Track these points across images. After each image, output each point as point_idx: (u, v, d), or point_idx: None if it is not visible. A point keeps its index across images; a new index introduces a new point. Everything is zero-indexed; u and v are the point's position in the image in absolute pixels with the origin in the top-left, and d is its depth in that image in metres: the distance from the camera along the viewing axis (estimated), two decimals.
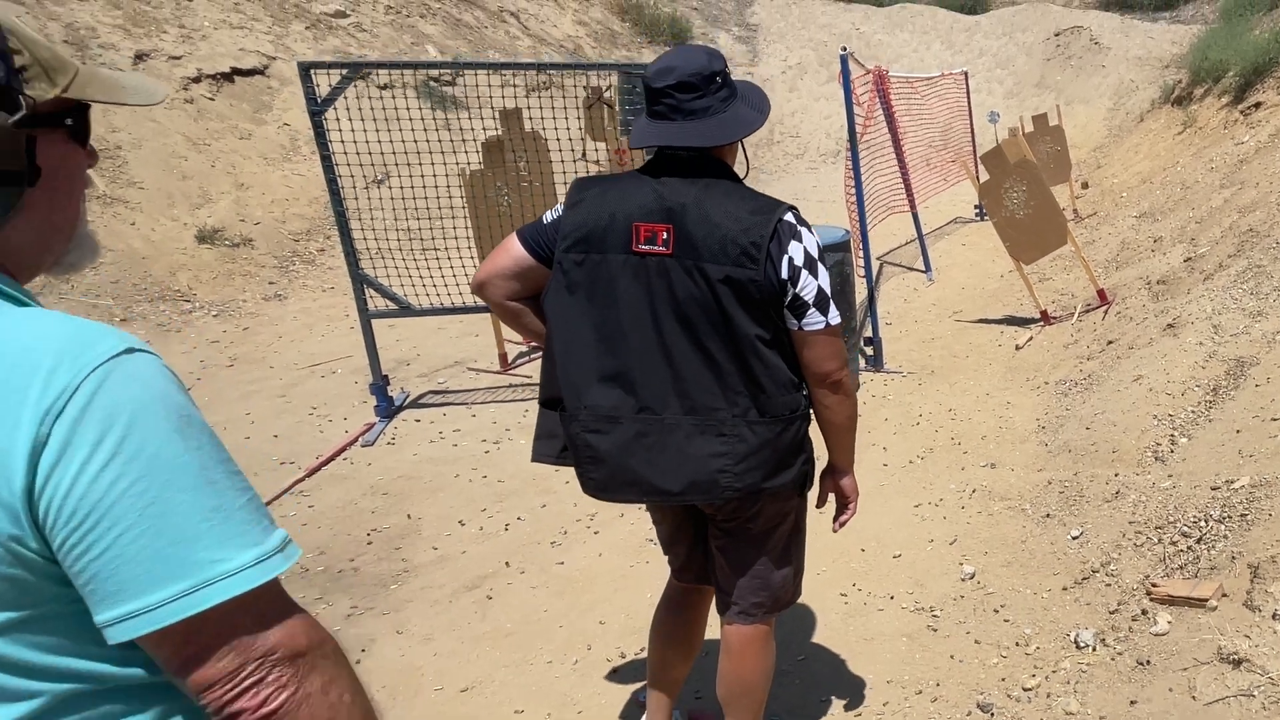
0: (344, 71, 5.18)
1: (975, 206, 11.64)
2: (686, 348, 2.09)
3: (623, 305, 2.10)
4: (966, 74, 13.07)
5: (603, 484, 2.20)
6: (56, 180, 1.01)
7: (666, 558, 2.60)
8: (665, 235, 2.06)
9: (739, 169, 2.24)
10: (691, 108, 2.08)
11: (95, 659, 0.89)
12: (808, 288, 2.07)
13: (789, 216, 2.10)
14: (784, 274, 2.05)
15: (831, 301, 2.12)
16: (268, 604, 0.89)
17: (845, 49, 5.91)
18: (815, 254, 2.10)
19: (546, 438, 2.31)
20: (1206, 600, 3.07)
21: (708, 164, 2.14)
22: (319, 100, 5.13)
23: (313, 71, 5.09)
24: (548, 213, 2.20)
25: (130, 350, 0.88)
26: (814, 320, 2.10)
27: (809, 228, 2.13)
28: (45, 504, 0.81)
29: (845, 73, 5.85)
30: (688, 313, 2.07)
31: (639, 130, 2.18)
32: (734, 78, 2.22)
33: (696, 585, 2.58)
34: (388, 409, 5.48)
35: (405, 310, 5.72)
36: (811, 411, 2.25)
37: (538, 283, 2.18)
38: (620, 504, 2.37)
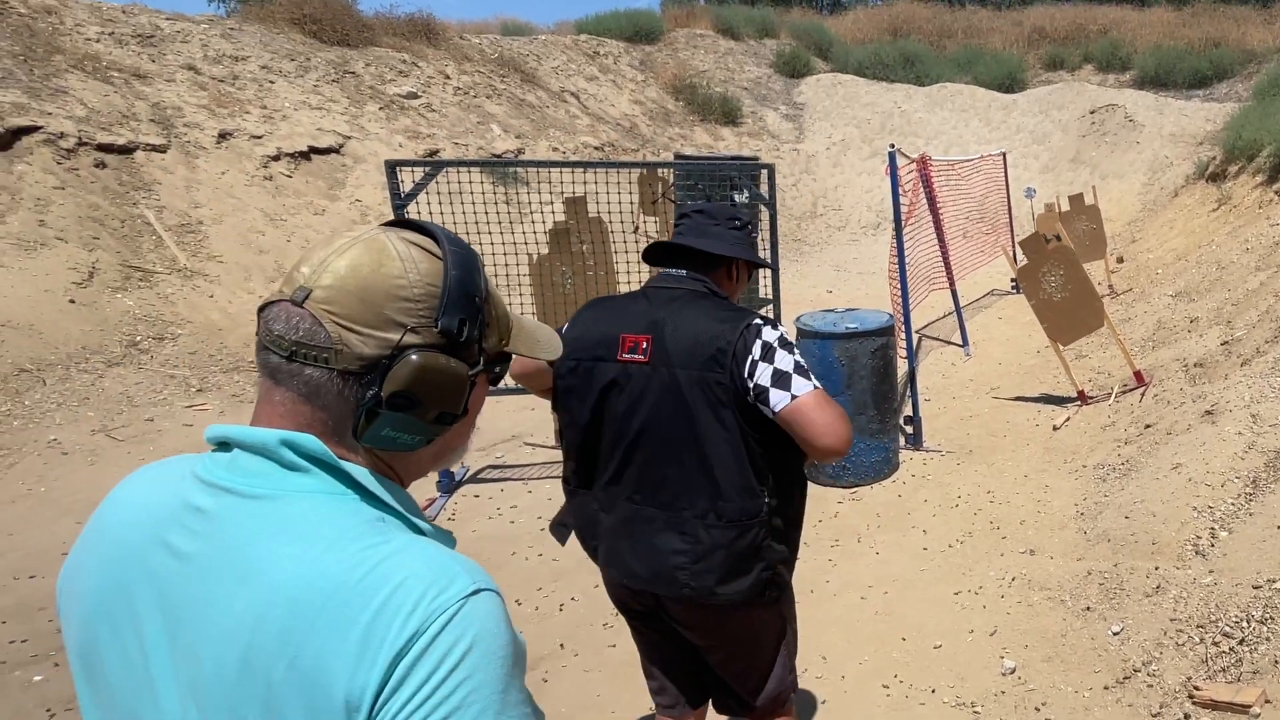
0: (426, 169, 5.34)
1: (1011, 279, 11.55)
2: (659, 448, 2.18)
3: (610, 407, 2.22)
4: (1005, 155, 13.06)
5: (604, 557, 2.32)
6: (470, 414, 1.12)
7: (650, 690, 2.59)
8: (645, 345, 2.19)
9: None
10: (704, 229, 2.32)
11: None
12: (762, 374, 2.09)
13: (755, 321, 2.16)
14: (745, 371, 2.10)
15: (795, 376, 2.09)
16: None
17: (894, 146, 5.95)
18: (775, 343, 2.12)
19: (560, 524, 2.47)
20: (1250, 707, 2.99)
21: (698, 284, 2.28)
22: (403, 195, 5.30)
23: (398, 169, 5.27)
24: (566, 324, 2.36)
25: (477, 591, 0.94)
26: (779, 399, 2.08)
27: (773, 325, 2.18)
28: None
29: (893, 168, 5.89)
30: (660, 416, 2.16)
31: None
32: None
33: (680, 715, 2.56)
34: (449, 484, 5.53)
35: None
36: (774, 519, 2.21)
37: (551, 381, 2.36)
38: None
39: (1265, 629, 3.38)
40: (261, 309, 1.03)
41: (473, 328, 1.07)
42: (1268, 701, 3.03)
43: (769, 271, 6.14)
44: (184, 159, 9.95)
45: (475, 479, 5.84)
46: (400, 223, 1.10)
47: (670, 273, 2.31)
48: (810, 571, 4.48)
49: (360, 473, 1.00)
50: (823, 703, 3.54)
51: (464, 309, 1.05)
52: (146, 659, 0.95)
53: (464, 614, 0.91)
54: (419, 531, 1.03)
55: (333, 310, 0.99)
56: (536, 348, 1.23)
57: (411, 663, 0.87)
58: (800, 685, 3.61)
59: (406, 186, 5.37)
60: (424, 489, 5.60)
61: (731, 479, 2.13)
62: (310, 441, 0.98)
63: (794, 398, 2.07)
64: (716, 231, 2.31)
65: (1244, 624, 3.45)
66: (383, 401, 1.00)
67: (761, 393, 2.09)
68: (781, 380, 2.09)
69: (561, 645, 3.97)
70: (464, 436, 1.15)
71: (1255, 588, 3.63)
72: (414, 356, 1.01)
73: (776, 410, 2.08)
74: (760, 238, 6.88)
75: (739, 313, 2.19)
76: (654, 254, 2.37)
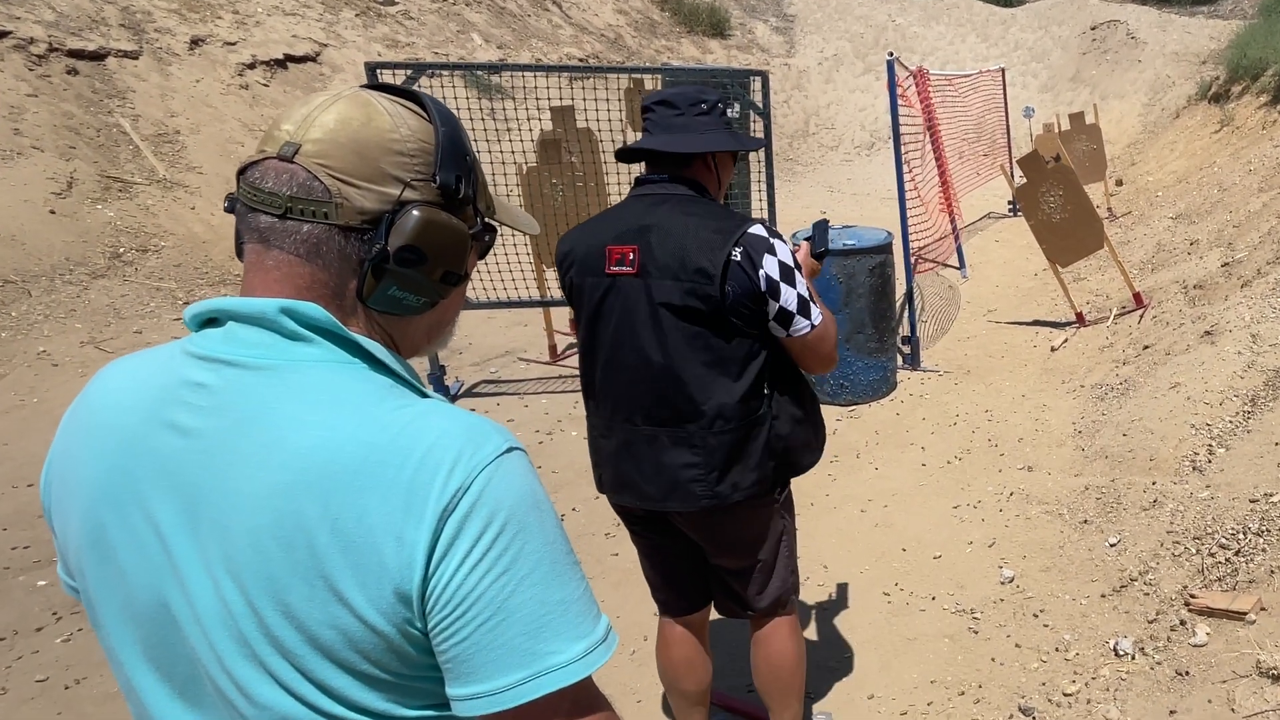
0: (408, 73, 5.28)
1: (1009, 202, 11.58)
2: (655, 362, 2.17)
3: (604, 323, 2.22)
4: (1004, 71, 12.97)
5: (609, 484, 2.34)
6: (465, 282, 1.11)
7: (654, 596, 2.64)
8: (632, 255, 2.16)
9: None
10: (669, 123, 2.21)
11: (422, 709, 0.98)
12: (788, 298, 2.13)
13: (756, 230, 2.13)
14: (762, 287, 2.10)
15: (812, 303, 2.17)
16: (584, 695, 0.96)
17: (892, 54, 5.92)
18: (790, 263, 2.15)
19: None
20: (1245, 613, 3.12)
21: (680, 184, 2.23)
22: None
23: (378, 72, 5.21)
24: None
25: (510, 449, 0.96)
26: (800, 326, 2.16)
27: (780, 238, 2.17)
28: (430, 590, 0.89)
29: (891, 79, 5.86)
30: (653, 329, 2.15)
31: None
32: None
33: (685, 618, 2.62)
34: (444, 399, 5.59)
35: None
36: (778, 416, 2.28)
37: None
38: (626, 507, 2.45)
39: (1261, 540, 3.51)
40: (242, 171, 0.99)
41: (468, 185, 1.06)
42: (1263, 609, 3.17)
43: (763, 192, 6.14)
44: (157, 66, 9.75)
45: (470, 393, 5.91)
46: (378, 86, 1.07)
47: (651, 176, 2.26)
48: (810, 486, 4.59)
49: (367, 341, 0.99)
50: (824, 609, 3.68)
51: (458, 166, 1.04)
52: (165, 541, 0.93)
53: (504, 470, 0.93)
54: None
55: (327, 164, 0.96)
56: (518, 221, 1.23)
57: (462, 518, 0.89)
58: (802, 593, 3.75)
59: None
60: None
61: (735, 385, 2.17)
62: (313, 309, 0.95)
63: (812, 326, 2.18)
64: (683, 123, 2.21)
65: (1240, 536, 3.58)
66: (390, 257, 0.98)
67: (786, 318, 2.15)
68: (805, 309, 2.15)
69: None
70: (455, 308, 1.14)
71: (1252, 501, 3.76)
72: (416, 211, 0.99)
73: (797, 334, 2.17)
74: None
75: (732, 221, 2.16)
76: (628, 154, 2.32)
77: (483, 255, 1.15)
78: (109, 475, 0.95)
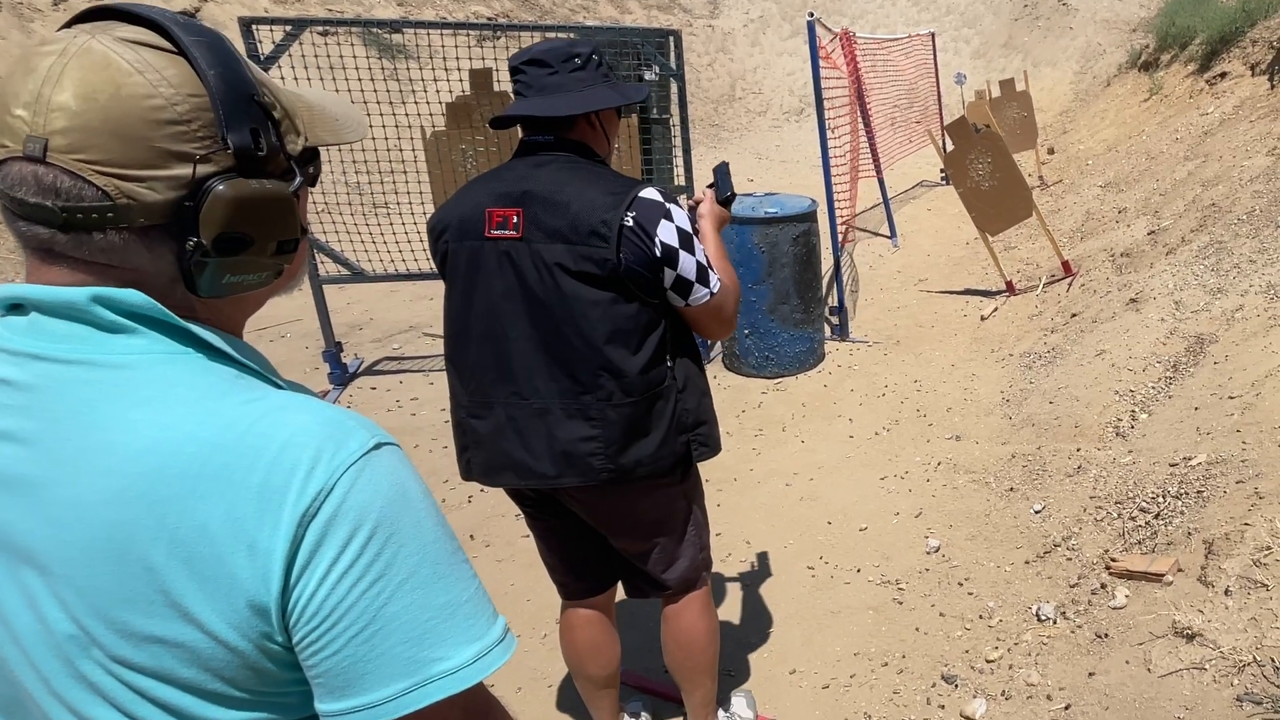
0: (288, 28, 5.17)
1: (940, 170, 11.86)
2: (546, 331, 2.15)
3: (486, 290, 2.19)
4: (934, 35, 13.24)
5: (483, 468, 2.29)
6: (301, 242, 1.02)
7: (553, 579, 2.66)
8: (515, 219, 2.13)
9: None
10: (543, 84, 2.16)
11: None
12: (687, 266, 2.14)
13: (648, 194, 2.13)
14: (658, 253, 2.10)
15: (710, 270, 2.20)
16: (477, 702, 0.95)
17: (813, 15, 6.02)
18: (689, 229, 2.16)
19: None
20: (1163, 575, 3.29)
21: (565, 147, 2.21)
22: (262, 58, 5.14)
23: (254, 28, 5.09)
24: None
25: (379, 445, 0.91)
26: (699, 295, 2.19)
27: (675, 203, 2.17)
28: (292, 603, 0.85)
29: (812, 41, 5.96)
30: (542, 296, 2.13)
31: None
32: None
33: (587, 600, 2.64)
34: (341, 376, 5.54)
35: (358, 276, 5.77)
36: (683, 389, 2.31)
37: None
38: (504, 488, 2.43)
39: (1180, 503, 3.70)
40: None
41: (269, 134, 0.94)
42: (1180, 570, 3.34)
43: (681, 159, 6.19)
44: (18, 23, 9.44)
45: (372, 371, 5.87)
46: (98, 12, 0.89)
47: (535, 139, 2.22)
48: (734, 460, 4.69)
49: (202, 328, 0.91)
50: (747, 586, 3.76)
51: (249, 115, 0.91)
52: None
53: (372, 469, 0.88)
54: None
55: (88, 159, 0.83)
56: (340, 129, 1.08)
57: (325, 524, 0.84)
58: (724, 569, 3.84)
59: (266, 49, 5.20)
60: (316, 381, 5.61)
61: (633, 355, 2.17)
62: (133, 295, 0.87)
63: (712, 294, 2.20)
64: (556, 82, 2.16)
65: (1160, 499, 3.77)
66: (209, 250, 0.90)
67: (685, 286, 2.16)
68: (703, 276, 2.17)
69: (471, 536, 4.11)
70: (303, 259, 1.06)
71: (1172, 465, 3.95)
72: (220, 188, 0.89)
73: (696, 303, 2.19)
74: (671, 120, 6.93)
75: (623, 183, 2.16)
76: (504, 122, 2.25)
77: (313, 184, 1.05)
78: None
